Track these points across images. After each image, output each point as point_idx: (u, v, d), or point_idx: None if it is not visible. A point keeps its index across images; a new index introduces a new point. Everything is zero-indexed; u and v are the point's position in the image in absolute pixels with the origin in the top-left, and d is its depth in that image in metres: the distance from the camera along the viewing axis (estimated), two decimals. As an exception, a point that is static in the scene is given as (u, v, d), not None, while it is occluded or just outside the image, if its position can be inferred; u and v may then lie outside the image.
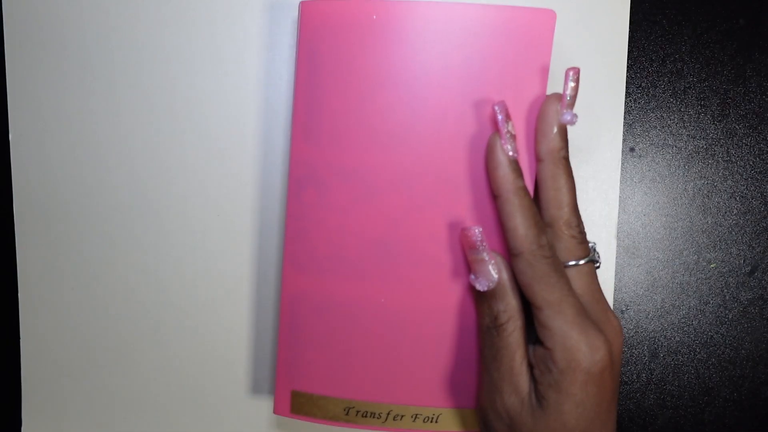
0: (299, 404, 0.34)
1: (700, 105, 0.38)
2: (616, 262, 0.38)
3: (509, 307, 0.30)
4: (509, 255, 0.30)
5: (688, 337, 0.39)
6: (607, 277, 0.37)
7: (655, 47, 0.38)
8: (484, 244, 0.30)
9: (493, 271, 0.30)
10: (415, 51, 0.31)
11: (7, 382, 0.39)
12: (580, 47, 0.36)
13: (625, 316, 0.39)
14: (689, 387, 0.39)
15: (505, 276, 0.30)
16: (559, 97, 0.30)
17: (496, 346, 0.30)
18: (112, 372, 0.38)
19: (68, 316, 0.37)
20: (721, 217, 0.38)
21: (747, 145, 0.38)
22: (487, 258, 0.30)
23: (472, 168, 0.32)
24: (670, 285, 0.39)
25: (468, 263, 0.31)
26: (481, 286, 0.30)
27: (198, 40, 0.36)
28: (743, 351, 0.39)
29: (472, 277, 0.30)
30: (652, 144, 0.38)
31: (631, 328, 0.39)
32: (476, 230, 0.30)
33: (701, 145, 0.38)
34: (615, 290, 0.38)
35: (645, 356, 0.39)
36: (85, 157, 0.37)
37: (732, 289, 0.39)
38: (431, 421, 0.34)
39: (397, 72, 0.31)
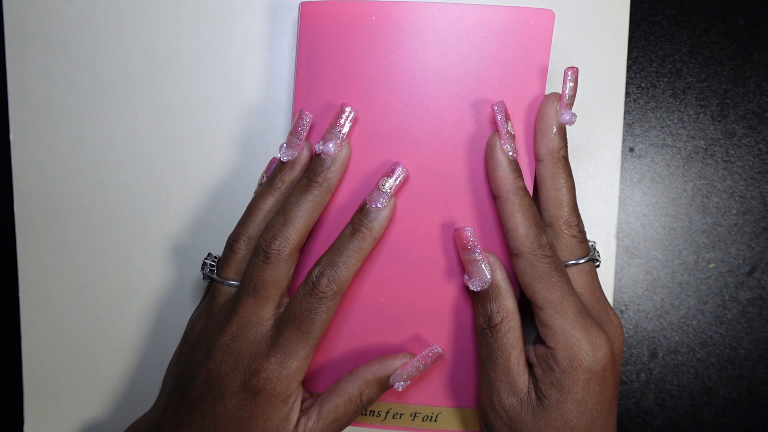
0: (299, 404, 0.34)
1: (700, 105, 0.38)
2: (616, 262, 0.38)
3: (502, 307, 0.29)
4: (510, 255, 0.30)
5: (688, 336, 0.39)
6: (606, 276, 0.37)
7: (655, 47, 0.38)
8: (477, 244, 0.30)
9: (486, 271, 0.30)
10: (414, 51, 0.31)
11: (9, 380, 0.39)
12: (580, 47, 0.36)
13: (625, 315, 0.39)
14: (688, 386, 0.39)
15: (499, 276, 0.30)
16: (558, 96, 0.30)
17: (491, 346, 0.30)
18: (113, 371, 0.38)
19: (68, 316, 0.38)
20: (720, 217, 0.38)
21: (746, 145, 0.38)
22: (480, 258, 0.30)
23: (471, 168, 0.32)
24: (670, 285, 0.39)
25: (462, 263, 0.31)
26: (474, 287, 0.30)
27: (198, 40, 0.36)
28: (742, 351, 0.39)
29: (466, 277, 0.30)
30: (651, 144, 0.38)
31: (631, 327, 0.39)
32: (469, 230, 0.30)
33: (700, 146, 0.38)
34: (614, 290, 0.38)
35: (644, 356, 0.39)
36: (86, 157, 0.37)
37: (731, 288, 0.39)
38: (431, 420, 0.34)
39: (397, 72, 0.32)
